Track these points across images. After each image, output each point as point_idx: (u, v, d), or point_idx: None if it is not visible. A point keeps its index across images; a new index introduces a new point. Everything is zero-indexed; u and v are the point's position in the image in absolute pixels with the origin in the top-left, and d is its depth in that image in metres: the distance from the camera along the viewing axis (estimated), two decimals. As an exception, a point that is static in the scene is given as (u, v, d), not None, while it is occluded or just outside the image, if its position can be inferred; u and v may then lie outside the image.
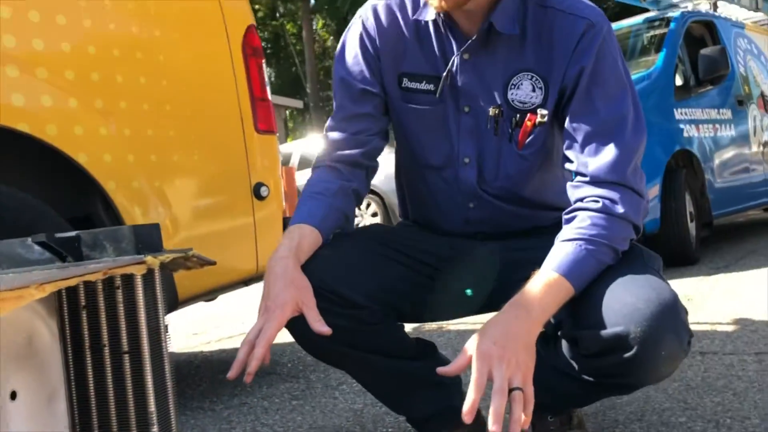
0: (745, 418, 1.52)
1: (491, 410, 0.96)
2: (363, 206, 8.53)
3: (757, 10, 6.60)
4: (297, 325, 1.15)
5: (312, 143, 10.14)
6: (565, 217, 1.18)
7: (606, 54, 1.18)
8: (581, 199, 1.16)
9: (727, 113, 5.05)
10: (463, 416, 0.96)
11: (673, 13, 5.23)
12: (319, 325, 1.09)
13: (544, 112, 1.22)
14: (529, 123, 1.23)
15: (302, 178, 8.31)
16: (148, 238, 1.06)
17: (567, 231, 1.15)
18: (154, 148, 2.00)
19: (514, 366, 1.01)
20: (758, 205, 5.50)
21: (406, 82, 1.28)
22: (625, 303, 1.07)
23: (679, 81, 4.82)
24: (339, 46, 1.35)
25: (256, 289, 3.73)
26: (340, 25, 16.69)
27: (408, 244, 1.31)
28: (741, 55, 5.53)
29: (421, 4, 1.25)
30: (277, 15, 17.66)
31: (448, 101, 1.26)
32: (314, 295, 1.13)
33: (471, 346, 1.03)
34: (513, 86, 1.23)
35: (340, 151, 1.29)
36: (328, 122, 1.35)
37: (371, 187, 8.09)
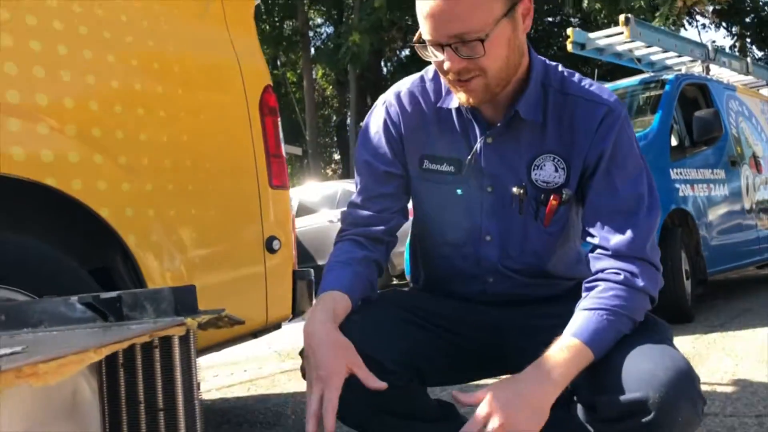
0: (749, 481, 1.56)
1: None
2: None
3: (747, 73, 6.80)
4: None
5: (310, 190, 10.23)
6: (586, 285, 1.26)
7: (623, 137, 1.27)
8: (602, 270, 1.24)
9: (720, 173, 5.17)
10: None
11: (668, 76, 5.40)
12: (373, 382, 1.14)
13: (569, 191, 1.30)
14: (554, 202, 1.30)
15: (300, 224, 8.36)
16: (185, 300, 1.12)
17: (589, 300, 1.22)
18: (173, 202, 2.07)
19: (509, 424, 1.07)
20: (752, 263, 5.58)
21: (427, 164, 1.36)
22: (643, 370, 1.13)
23: (674, 141, 4.96)
24: (362, 128, 1.43)
25: (276, 334, 3.71)
26: (339, 75, 16.98)
27: (430, 309, 1.36)
28: (733, 117, 5.68)
29: (443, 91, 1.34)
30: (278, 64, 17.98)
31: (471, 181, 1.34)
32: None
33: (486, 392, 1.11)
34: (536, 167, 1.30)
35: (364, 227, 1.37)
36: (353, 198, 1.43)
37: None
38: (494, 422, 1.08)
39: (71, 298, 1.12)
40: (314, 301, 1.26)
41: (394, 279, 8.77)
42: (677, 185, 4.60)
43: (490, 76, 1.21)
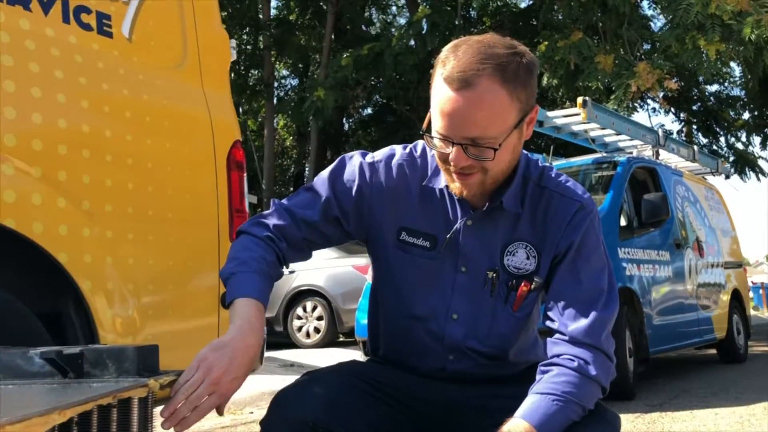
0: None
1: None
2: (309, 308, 8.52)
3: (694, 160, 7.12)
4: None
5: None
6: (540, 368, 1.29)
7: (591, 234, 1.34)
8: (558, 356, 1.28)
9: (665, 255, 5.35)
10: None
11: (620, 157, 5.62)
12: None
13: (539, 279, 1.36)
14: (525, 288, 1.35)
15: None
16: (148, 360, 1.11)
17: (541, 384, 1.25)
18: (132, 251, 2.05)
19: None
20: (691, 344, 5.74)
21: (404, 236, 1.38)
22: None
23: (623, 221, 5.12)
24: (338, 164, 1.42)
25: None
26: (301, 127, 17.09)
27: (388, 383, 1.37)
28: (679, 201, 5.92)
29: (430, 170, 1.38)
30: (240, 111, 18.04)
31: (447, 260, 1.37)
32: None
33: None
34: (509, 253, 1.35)
35: (282, 232, 1.37)
36: (283, 205, 1.41)
37: (318, 289, 8.06)
38: None
39: (30, 350, 1.10)
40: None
41: (341, 336, 8.71)
42: (624, 264, 4.74)
43: (490, 176, 1.27)
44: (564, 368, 1.26)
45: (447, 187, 1.34)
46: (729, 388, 4.75)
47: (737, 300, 6.72)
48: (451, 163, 1.25)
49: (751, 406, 3.97)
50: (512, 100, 1.21)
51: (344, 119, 17.53)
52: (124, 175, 2.03)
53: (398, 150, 1.42)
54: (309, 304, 8.51)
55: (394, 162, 1.40)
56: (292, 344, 8.37)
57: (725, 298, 6.41)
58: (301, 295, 8.55)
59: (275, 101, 16.46)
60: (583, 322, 1.29)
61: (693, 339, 5.65)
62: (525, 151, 1.37)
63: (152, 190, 2.13)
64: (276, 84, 18.18)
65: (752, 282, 23.47)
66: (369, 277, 6.07)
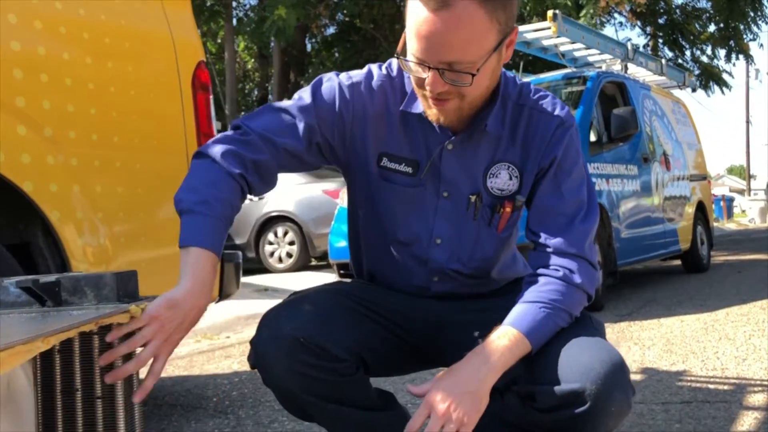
0: (658, 466, 1.66)
1: None
2: (280, 234, 8.52)
3: (662, 74, 7.12)
4: (273, 376, 1.22)
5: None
6: (527, 279, 1.31)
7: (571, 148, 1.32)
8: (544, 266, 1.29)
9: (633, 169, 5.41)
10: None
11: (589, 72, 5.58)
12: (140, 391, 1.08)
13: (521, 198, 1.34)
14: (508, 210, 1.34)
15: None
16: (127, 286, 1.09)
17: (529, 294, 1.27)
18: (99, 178, 1.99)
19: (449, 416, 1.13)
20: (658, 256, 5.89)
21: (385, 162, 1.35)
22: (581, 362, 1.18)
23: (592, 137, 5.14)
24: (318, 89, 1.33)
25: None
26: (262, 49, 16.63)
27: (375, 301, 1.37)
28: (647, 116, 5.95)
29: (408, 93, 1.32)
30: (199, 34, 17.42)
31: (428, 185, 1.34)
32: (301, 348, 1.20)
33: (430, 383, 1.17)
34: (492, 175, 1.34)
35: (258, 166, 1.28)
36: (247, 124, 1.30)
37: (288, 215, 8.04)
38: (436, 412, 1.13)
39: (5, 280, 1.06)
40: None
41: (313, 260, 8.76)
42: (593, 179, 4.78)
43: (467, 102, 1.23)
44: (550, 278, 1.27)
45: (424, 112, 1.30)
46: (693, 296, 4.92)
47: (701, 212, 6.88)
48: (427, 89, 1.20)
49: (714, 312, 4.11)
50: (491, 21, 1.16)
51: (307, 39, 17.07)
52: (85, 100, 1.95)
53: (375, 70, 1.36)
54: (280, 230, 8.50)
55: (374, 83, 1.33)
56: (265, 269, 8.40)
57: (690, 210, 6.54)
58: (271, 221, 8.52)
59: (234, 22, 15.91)
60: (566, 234, 1.30)
61: (659, 251, 5.79)
62: (504, 70, 1.33)
63: (116, 115, 2.05)
64: (235, 4, 17.53)
65: (713, 195, 24.04)
66: (340, 201, 6.07)
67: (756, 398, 2.23)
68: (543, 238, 1.31)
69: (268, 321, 1.27)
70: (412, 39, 1.18)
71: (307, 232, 8.29)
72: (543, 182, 1.33)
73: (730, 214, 24.28)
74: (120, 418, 1.05)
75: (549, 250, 1.30)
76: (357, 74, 1.36)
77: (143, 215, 2.15)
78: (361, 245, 1.47)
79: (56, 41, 1.89)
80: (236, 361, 3.35)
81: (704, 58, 15.77)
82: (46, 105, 1.85)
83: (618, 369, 1.19)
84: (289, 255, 8.46)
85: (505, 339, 1.21)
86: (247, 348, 3.53)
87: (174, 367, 3.28)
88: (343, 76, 1.36)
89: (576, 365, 1.18)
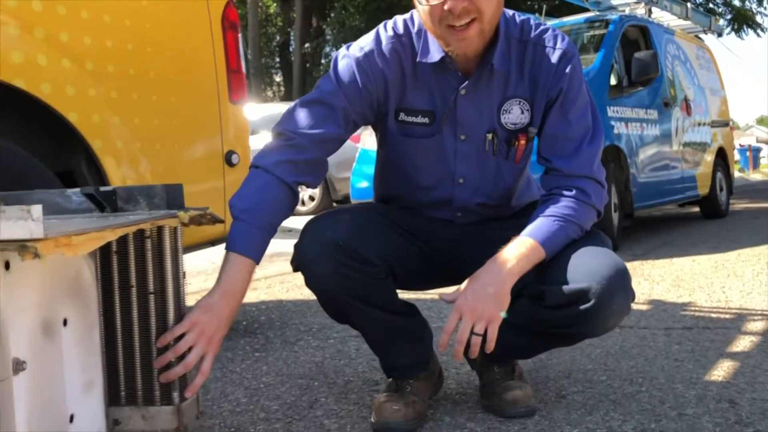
0: (654, 378, 1.80)
1: (453, 351, 1.33)
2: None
3: (686, 18, 7.04)
4: (315, 275, 1.39)
5: (250, 111, 10.13)
6: (542, 198, 1.46)
7: (575, 77, 1.44)
8: (557, 187, 1.44)
9: (653, 114, 5.43)
10: (438, 347, 1.34)
11: (612, 16, 5.56)
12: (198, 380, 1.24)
13: (534, 129, 1.47)
14: (523, 141, 1.48)
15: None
16: (175, 196, 1.23)
17: (543, 209, 1.41)
18: (137, 111, 2.12)
19: (478, 316, 1.30)
20: (675, 201, 5.94)
21: (402, 116, 1.47)
22: (588, 265, 1.34)
23: (613, 80, 5.16)
24: (338, 71, 1.44)
25: (217, 248, 3.87)
26: (284, 7, 16.51)
27: (404, 221, 1.53)
28: (670, 60, 5.93)
29: (420, 47, 1.42)
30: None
31: (445, 131, 1.47)
32: (340, 251, 1.36)
33: (459, 290, 1.35)
34: (505, 111, 1.46)
35: (309, 166, 1.41)
36: (289, 129, 1.41)
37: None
38: (466, 315, 1.31)
39: (67, 190, 1.21)
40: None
41: (335, 203, 8.91)
42: (612, 122, 4.83)
43: (485, 21, 1.32)
44: (563, 196, 1.42)
45: (442, 59, 1.40)
46: (708, 240, 5.00)
47: (722, 158, 6.88)
48: (449, 13, 1.29)
49: (726, 254, 4.21)
50: None
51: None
52: (123, 37, 2.07)
53: (382, 33, 1.45)
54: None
55: (384, 46, 1.43)
56: (288, 212, 8.59)
57: (710, 156, 6.55)
58: (294, 165, 8.65)
59: (257, -35, 15.76)
60: (575, 157, 1.43)
61: (677, 195, 5.84)
62: (503, 8, 1.42)
63: (151, 51, 2.17)
64: (257, -53, 17.34)
65: (740, 144, 23.70)
66: (361, 144, 6.15)
67: (755, 325, 2.35)
68: (554, 162, 1.44)
69: (310, 228, 1.43)
70: None
71: (329, 176, 8.40)
72: (551, 112, 1.45)
73: (756, 165, 23.98)
74: (170, 310, 1.21)
75: (560, 173, 1.43)
76: (367, 43, 1.44)
77: (178, 147, 2.29)
78: (388, 186, 1.60)
79: (95, -20, 2.00)
80: (263, 292, 3.53)
81: (736, 2, 15.36)
82: (87, 41, 1.97)
83: (621, 273, 1.34)
84: (312, 198, 8.61)
85: (522, 247, 1.36)
86: (272, 281, 3.74)
87: (204, 297, 3.47)
88: (355, 48, 1.45)
89: (583, 268, 1.33)
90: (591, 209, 1.43)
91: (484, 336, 1.31)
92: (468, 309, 1.30)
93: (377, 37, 1.45)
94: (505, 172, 1.52)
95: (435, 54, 1.41)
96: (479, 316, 1.30)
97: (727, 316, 2.53)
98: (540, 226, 1.38)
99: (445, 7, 1.30)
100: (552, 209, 1.40)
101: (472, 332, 1.31)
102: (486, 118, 1.46)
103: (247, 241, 1.32)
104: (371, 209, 1.53)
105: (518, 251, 1.35)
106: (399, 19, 1.47)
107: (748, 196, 10.21)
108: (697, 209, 6.86)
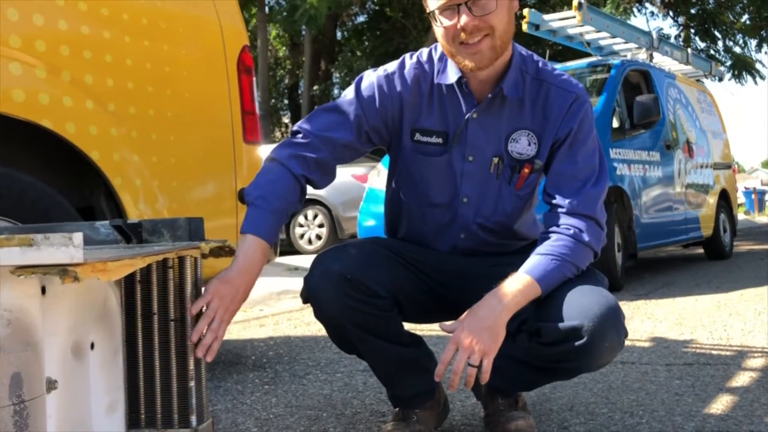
0: (654, 410, 1.85)
1: (449, 382, 1.37)
2: (310, 217, 8.76)
3: (687, 63, 7.19)
4: (323, 307, 1.46)
5: (263, 151, 10.31)
6: (541, 236, 1.52)
7: (586, 121, 1.53)
8: (557, 225, 1.50)
9: (656, 156, 5.53)
10: (435, 376, 1.40)
11: (614, 60, 5.70)
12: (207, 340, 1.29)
13: (540, 162, 1.55)
14: (526, 170, 1.55)
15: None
16: (197, 229, 1.31)
17: (542, 247, 1.48)
18: (156, 150, 2.22)
19: (474, 348, 1.36)
20: (678, 242, 6.00)
21: (418, 136, 1.56)
22: (581, 304, 1.40)
23: (615, 123, 5.27)
24: (360, 86, 1.55)
25: None
26: (294, 37, 16.86)
27: (409, 254, 1.59)
28: (671, 104, 6.05)
29: (437, 71, 1.53)
30: (233, 22, 17.67)
31: (455, 152, 1.55)
32: (347, 284, 1.43)
33: (456, 322, 1.41)
34: (513, 140, 1.54)
35: (319, 164, 1.50)
36: (317, 131, 1.52)
37: (318, 198, 8.27)
38: (461, 347, 1.37)
39: (96, 222, 1.29)
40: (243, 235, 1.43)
41: (342, 242, 8.99)
42: (615, 164, 4.92)
43: (497, 36, 1.42)
44: (561, 235, 1.48)
45: (456, 82, 1.50)
46: (711, 281, 5.04)
47: (725, 200, 6.95)
48: (462, 30, 1.40)
49: (729, 293, 4.25)
50: None
51: (338, 28, 17.25)
52: (144, 79, 2.18)
53: (407, 60, 1.58)
54: (310, 213, 8.74)
55: (407, 71, 1.55)
56: (296, 251, 8.66)
57: (713, 198, 6.63)
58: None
59: (267, 10, 16.14)
60: (579, 196, 1.50)
61: (680, 236, 5.90)
62: (521, 47, 1.52)
63: (170, 93, 2.28)
64: (267, -7, 17.75)
65: (745, 187, 23.78)
66: (368, 184, 6.26)
67: (755, 362, 2.39)
68: (557, 200, 1.51)
69: (319, 261, 1.50)
70: None
71: (336, 215, 8.51)
72: (560, 151, 1.53)
73: (761, 207, 24.01)
74: (189, 337, 1.27)
75: (562, 210, 1.50)
76: (391, 66, 1.58)
77: (193, 185, 2.38)
78: (398, 212, 1.67)
79: (119, 26, 2.12)
80: (270, 329, 3.58)
81: (737, 49, 15.61)
82: (109, 83, 2.08)
83: (612, 311, 1.40)
84: (319, 237, 8.70)
85: (519, 283, 1.42)
86: (279, 318, 3.82)
87: (213, 333, 3.52)
88: (380, 70, 1.58)
89: (577, 306, 1.39)
90: (588, 250, 1.49)
91: (480, 367, 1.36)
92: (464, 341, 1.36)
93: (402, 63, 1.58)
94: (505, 197, 1.57)
95: (452, 76, 1.51)
96: (475, 349, 1.35)
97: (727, 353, 2.57)
98: (537, 263, 1.45)
99: (458, 26, 1.40)
100: (550, 248, 1.46)
101: (468, 364, 1.36)
102: (494, 143, 1.54)
103: (262, 224, 1.42)
104: (378, 243, 1.60)
105: (515, 287, 1.41)
106: (425, 49, 1.59)
107: (753, 238, 10.24)
108: (701, 250, 6.90)
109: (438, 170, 1.57)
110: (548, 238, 1.49)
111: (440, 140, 1.56)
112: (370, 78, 1.56)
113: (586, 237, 1.48)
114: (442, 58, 1.54)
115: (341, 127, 1.53)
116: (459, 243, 1.62)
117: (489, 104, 1.52)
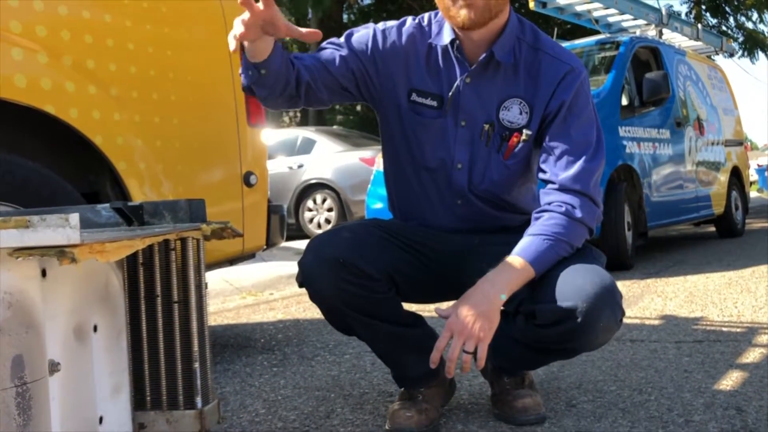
0: (663, 387, 1.84)
1: (445, 369, 1.39)
2: (319, 201, 8.76)
3: (697, 39, 7.09)
4: (317, 291, 1.45)
5: (267, 136, 10.29)
6: (534, 215, 1.49)
7: (581, 94, 1.49)
8: (549, 203, 1.47)
9: (666, 133, 5.48)
10: (430, 363, 1.38)
11: (623, 38, 5.63)
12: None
13: (529, 132, 1.52)
14: (515, 139, 1.52)
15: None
16: (198, 210, 1.30)
17: (534, 227, 1.45)
18: (159, 134, 2.21)
19: (468, 334, 1.35)
20: (689, 220, 5.95)
21: (414, 96, 1.54)
22: (576, 285, 1.37)
23: (624, 101, 5.21)
24: (356, 31, 1.56)
25: (234, 269, 3.97)
26: (300, 21, 16.77)
27: (406, 235, 1.58)
28: (681, 81, 5.98)
29: (433, 32, 1.52)
30: (239, 6, 17.60)
31: (449, 116, 1.53)
32: (341, 267, 1.42)
33: (452, 306, 1.39)
34: (504, 108, 1.51)
35: (310, 71, 1.47)
36: (311, 54, 1.54)
37: (327, 182, 8.24)
38: (456, 333, 1.35)
39: (97, 205, 1.28)
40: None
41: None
42: (624, 142, 4.88)
43: None
44: (553, 213, 1.45)
45: (451, 41, 1.48)
46: (723, 258, 5.00)
47: (736, 177, 6.88)
48: None
49: (740, 271, 4.22)
50: None
51: (344, 10, 17.14)
52: (146, 63, 2.17)
53: (409, 20, 1.57)
54: (319, 197, 8.74)
55: (404, 29, 1.55)
56: (305, 235, 8.67)
57: (724, 175, 6.57)
58: (310, 189, 8.76)
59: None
60: (571, 171, 1.46)
61: (691, 214, 5.85)
62: (520, 15, 1.50)
63: (173, 76, 2.27)
64: (273, -24, 17.62)
65: (758, 165, 23.52)
66: (376, 166, 6.24)
67: (766, 338, 2.37)
68: (550, 175, 1.48)
69: (312, 246, 1.48)
70: None
71: (345, 199, 8.50)
72: (553, 125, 1.50)
73: (774, 185, 23.77)
74: (193, 319, 1.27)
75: (554, 186, 1.47)
76: (391, 22, 1.58)
77: (198, 168, 2.38)
78: (392, 185, 1.66)
79: (119, 10, 2.11)
80: (280, 312, 3.59)
81: (749, 25, 15.41)
82: (111, 67, 2.07)
83: (607, 291, 1.38)
84: (328, 221, 8.70)
85: (511, 266, 1.40)
86: (289, 302, 3.82)
87: (223, 318, 3.53)
88: (379, 24, 1.58)
89: (571, 287, 1.37)
90: (582, 227, 1.46)
91: (475, 354, 1.35)
92: (458, 328, 1.34)
93: (402, 21, 1.58)
94: (493, 165, 1.55)
95: (446, 37, 1.50)
96: (469, 335, 1.34)
97: (738, 330, 2.55)
98: (529, 244, 1.42)
99: None
100: (542, 227, 1.44)
101: (463, 351, 1.35)
102: (486, 110, 1.52)
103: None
104: (373, 225, 1.58)
105: (508, 271, 1.39)
106: (426, 15, 1.58)
107: (766, 215, 10.15)
108: (712, 229, 6.85)
109: (432, 134, 1.55)
110: (541, 216, 1.47)
111: (435, 103, 1.54)
112: (367, 29, 1.56)
113: (578, 213, 1.45)
114: (440, 22, 1.54)
115: (331, 60, 1.50)
116: (456, 210, 1.59)
117: (482, 69, 1.50)
